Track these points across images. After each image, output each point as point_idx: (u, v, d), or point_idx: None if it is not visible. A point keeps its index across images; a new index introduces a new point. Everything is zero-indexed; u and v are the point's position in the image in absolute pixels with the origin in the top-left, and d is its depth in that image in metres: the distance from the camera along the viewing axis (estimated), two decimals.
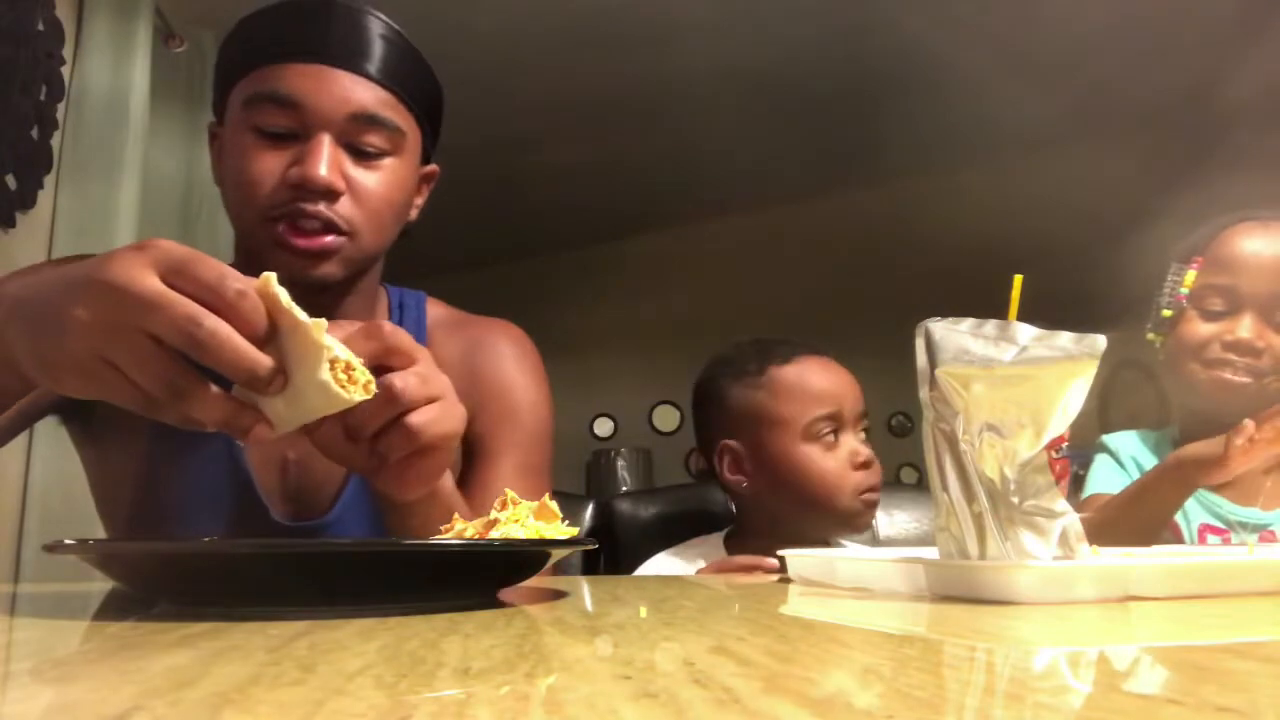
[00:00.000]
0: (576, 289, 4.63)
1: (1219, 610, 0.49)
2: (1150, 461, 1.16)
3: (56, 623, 0.45)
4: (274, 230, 0.75)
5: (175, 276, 0.49)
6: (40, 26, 1.90)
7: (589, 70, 3.05)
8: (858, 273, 4.06)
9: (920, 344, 0.57)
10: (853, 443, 1.15)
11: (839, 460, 1.14)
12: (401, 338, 0.57)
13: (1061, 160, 3.44)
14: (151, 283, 0.48)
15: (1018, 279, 0.62)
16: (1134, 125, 3.29)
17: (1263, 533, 1.07)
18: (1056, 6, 2.73)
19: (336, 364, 0.52)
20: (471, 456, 0.88)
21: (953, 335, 0.56)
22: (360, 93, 0.78)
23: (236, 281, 0.49)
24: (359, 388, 0.52)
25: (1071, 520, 0.53)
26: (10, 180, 1.81)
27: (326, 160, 0.75)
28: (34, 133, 1.88)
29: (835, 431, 1.15)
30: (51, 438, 1.78)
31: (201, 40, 2.45)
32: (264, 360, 0.50)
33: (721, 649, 0.34)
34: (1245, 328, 1.05)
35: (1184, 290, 1.10)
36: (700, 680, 0.27)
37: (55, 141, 1.97)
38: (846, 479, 1.14)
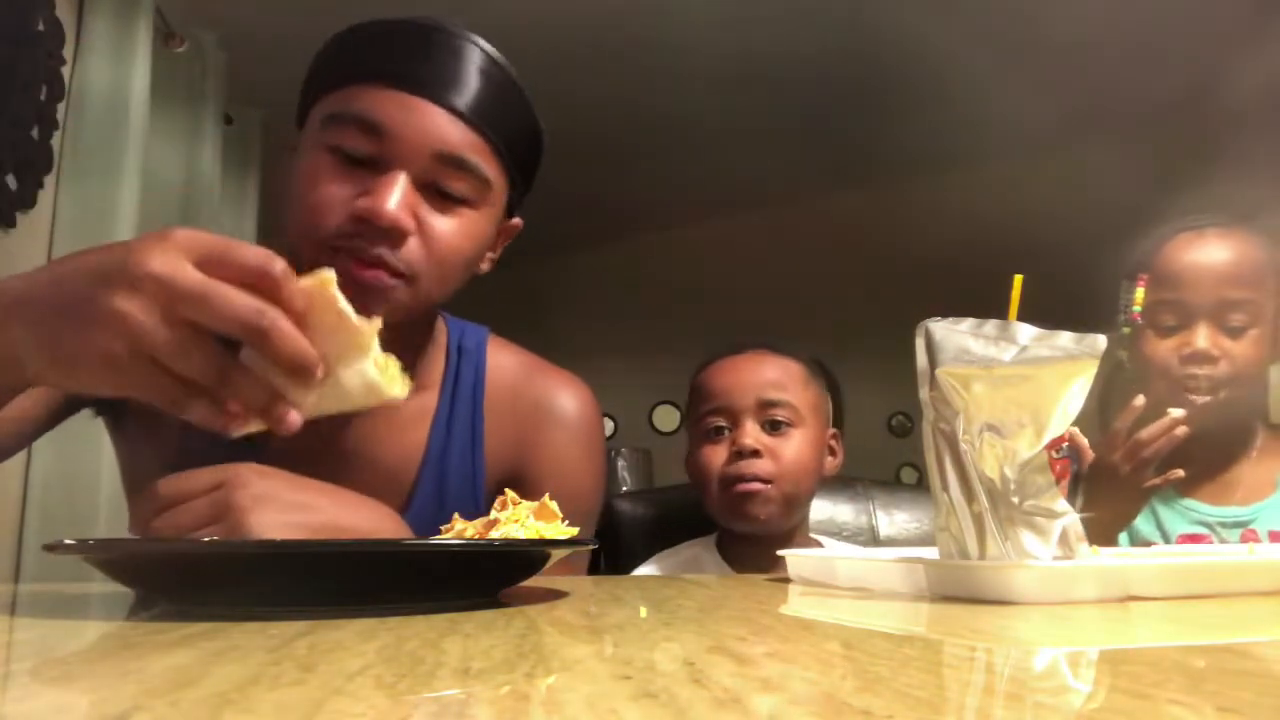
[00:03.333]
0: (576, 289, 4.63)
1: (1219, 610, 0.49)
2: None
3: (56, 623, 0.44)
4: (333, 261, 0.66)
5: (214, 265, 0.49)
6: (40, 26, 1.90)
7: (588, 72, 3.05)
8: (859, 272, 4.06)
9: (920, 344, 0.57)
10: (741, 434, 1.11)
11: (718, 454, 1.12)
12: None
13: (1061, 160, 3.44)
14: (195, 273, 0.48)
15: (1018, 279, 0.62)
16: (1134, 125, 3.29)
17: (1244, 531, 1.07)
18: (1056, 7, 2.73)
19: (376, 360, 0.54)
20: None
21: (953, 335, 0.56)
22: (450, 132, 0.71)
23: (277, 266, 0.49)
24: (398, 383, 0.55)
25: (1071, 520, 0.53)
26: (10, 180, 1.81)
27: (398, 197, 0.68)
28: (34, 133, 1.89)
29: (729, 426, 1.13)
30: (52, 437, 1.78)
31: (201, 40, 2.46)
32: (314, 352, 0.50)
33: (721, 649, 0.34)
34: (1200, 338, 1.06)
35: (1137, 309, 1.11)
36: (700, 680, 0.27)
37: (55, 141, 1.97)
38: (716, 470, 1.11)
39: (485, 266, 0.81)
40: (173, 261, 0.48)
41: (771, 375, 1.14)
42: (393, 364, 0.54)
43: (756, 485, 1.09)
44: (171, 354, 0.49)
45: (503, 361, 0.90)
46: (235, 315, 0.48)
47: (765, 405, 1.12)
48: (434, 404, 0.84)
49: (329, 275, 0.52)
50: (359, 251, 0.68)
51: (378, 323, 0.52)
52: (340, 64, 0.74)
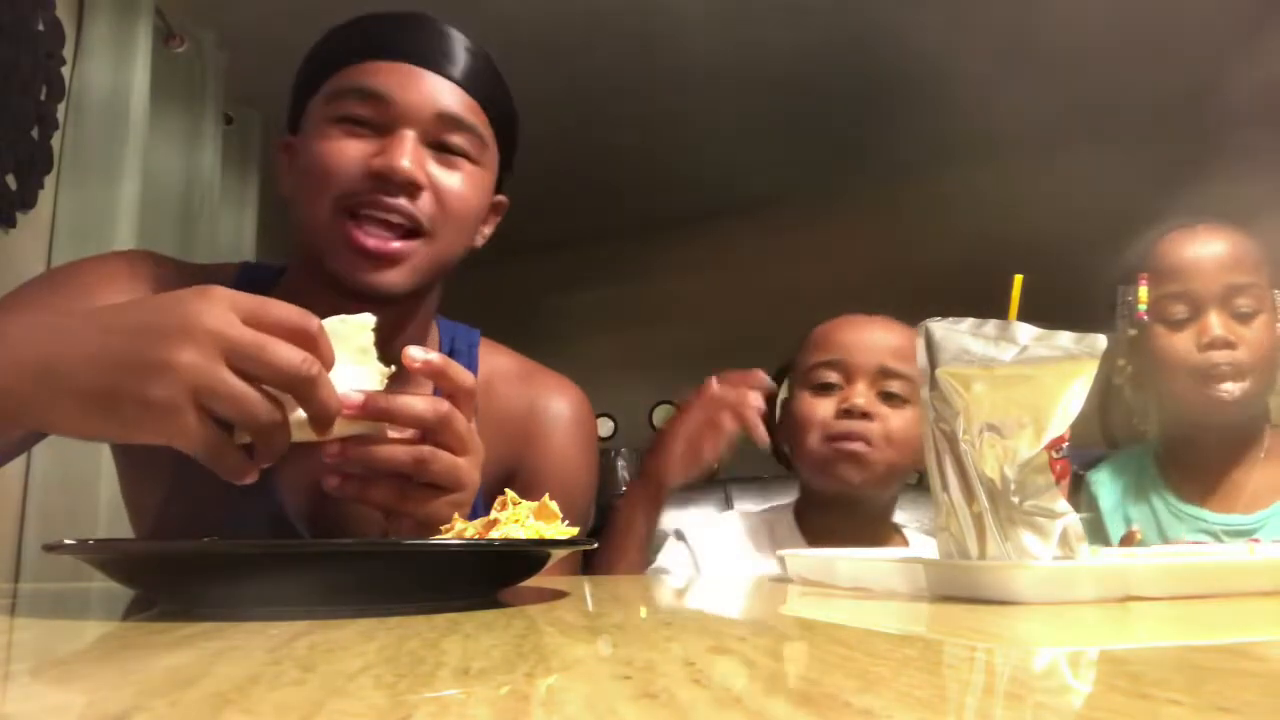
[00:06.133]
0: (576, 288, 4.63)
1: (1219, 610, 0.49)
2: (1127, 508, 1.15)
3: (56, 623, 0.45)
4: (344, 229, 0.73)
5: (255, 322, 0.52)
6: (40, 26, 1.90)
7: (589, 71, 3.05)
8: (859, 272, 4.05)
9: (920, 344, 0.57)
10: (854, 393, 1.07)
11: (825, 407, 1.08)
12: (468, 381, 0.64)
13: (1061, 160, 3.44)
14: (247, 328, 0.51)
15: (1018, 279, 0.62)
16: (1134, 125, 3.29)
17: (1251, 540, 1.07)
18: (1057, 6, 2.73)
19: None
20: None
21: (953, 335, 0.56)
22: (446, 94, 0.76)
23: (313, 323, 0.53)
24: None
25: (1072, 520, 0.53)
26: (10, 180, 1.81)
27: (410, 153, 0.73)
28: (34, 133, 1.88)
29: (841, 383, 1.08)
30: (52, 438, 1.78)
31: (201, 40, 2.45)
32: (340, 404, 0.54)
33: (721, 649, 0.34)
34: (1214, 325, 1.07)
35: (1142, 307, 1.12)
36: (700, 680, 0.27)
37: (55, 141, 1.97)
38: (819, 422, 1.07)
39: (479, 241, 0.85)
40: (224, 316, 0.51)
41: (898, 343, 1.09)
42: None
43: (859, 446, 1.04)
44: (228, 399, 0.50)
45: (496, 364, 0.92)
46: (287, 365, 0.51)
47: (885, 373, 1.07)
48: None
49: (369, 319, 0.57)
50: (374, 208, 0.72)
51: (392, 369, 0.58)
52: (336, 52, 0.78)
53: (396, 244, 0.73)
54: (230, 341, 0.50)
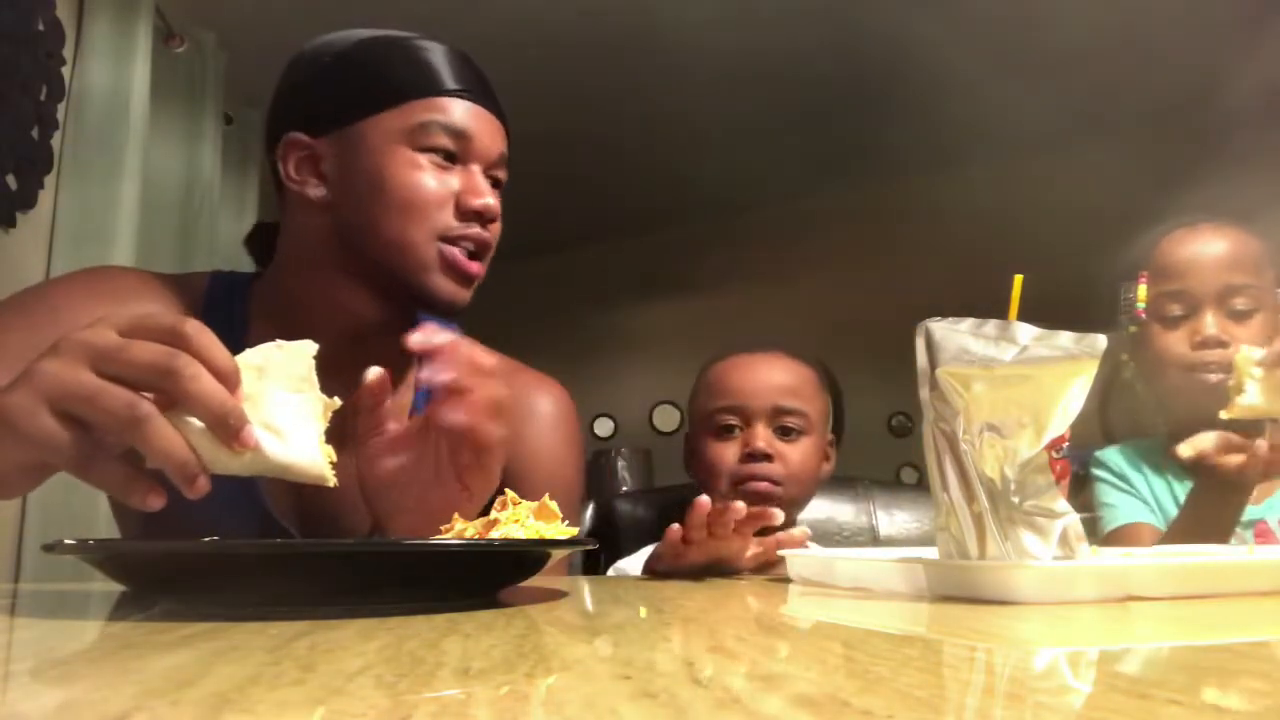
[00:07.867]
0: (576, 289, 4.63)
1: (1219, 610, 0.49)
2: (1145, 476, 1.16)
3: (56, 623, 0.45)
4: (445, 251, 0.80)
5: (134, 331, 0.50)
6: (40, 26, 1.90)
7: (589, 71, 3.05)
8: (858, 272, 4.06)
9: (920, 344, 0.57)
10: (754, 435, 1.13)
11: (730, 451, 1.14)
12: (484, 361, 0.67)
13: (1061, 160, 3.44)
14: (115, 334, 0.50)
15: (1018, 279, 0.62)
16: (1134, 125, 3.29)
17: (1257, 525, 1.07)
18: (1057, 6, 2.73)
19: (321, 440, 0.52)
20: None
21: (953, 335, 0.56)
22: (500, 134, 0.86)
23: (188, 324, 0.50)
24: (330, 471, 0.52)
25: (1072, 520, 0.53)
26: (10, 180, 1.81)
27: (490, 191, 0.83)
28: (34, 133, 1.89)
29: (741, 426, 1.15)
30: None
31: (202, 40, 2.46)
32: (232, 400, 0.49)
33: (721, 649, 0.34)
34: (1208, 324, 1.08)
35: (1140, 305, 1.14)
36: (700, 680, 0.27)
37: (55, 141, 1.97)
38: (727, 467, 1.13)
39: None
40: (97, 330, 0.50)
41: (788, 381, 1.16)
42: (331, 452, 0.53)
43: (767, 486, 1.11)
44: (83, 397, 0.48)
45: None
46: (146, 359, 0.49)
47: (779, 411, 1.15)
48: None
49: (310, 346, 0.53)
50: (473, 239, 0.81)
51: (336, 402, 0.53)
52: (419, 76, 0.83)
53: (477, 266, 0.82)
54: (94, 348, 0.49)
